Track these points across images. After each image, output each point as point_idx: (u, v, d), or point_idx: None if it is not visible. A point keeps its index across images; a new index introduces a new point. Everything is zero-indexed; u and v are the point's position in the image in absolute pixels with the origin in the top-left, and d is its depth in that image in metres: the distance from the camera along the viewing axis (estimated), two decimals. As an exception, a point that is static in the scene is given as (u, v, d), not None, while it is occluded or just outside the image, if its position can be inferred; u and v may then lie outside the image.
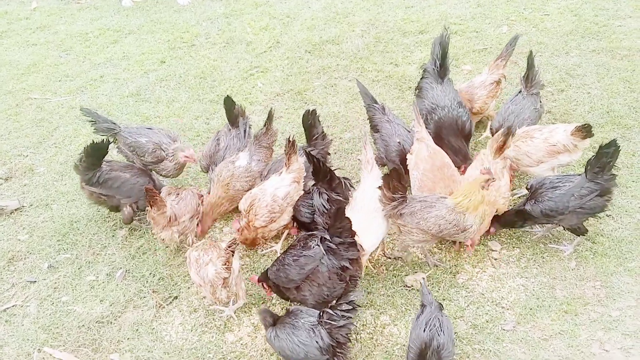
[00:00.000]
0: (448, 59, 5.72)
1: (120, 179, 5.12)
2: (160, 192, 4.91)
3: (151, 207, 4.75)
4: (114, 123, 5.56)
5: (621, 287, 4.52)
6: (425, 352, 3.66)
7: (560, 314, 4.39)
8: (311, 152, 4.81)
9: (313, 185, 4.83)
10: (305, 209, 4.83)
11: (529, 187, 4.81)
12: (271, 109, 5.48)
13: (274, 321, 4.02)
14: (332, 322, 3.74)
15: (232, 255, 4.23)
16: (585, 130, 4.82)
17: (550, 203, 4.55)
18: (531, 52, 5.54)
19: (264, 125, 5.40)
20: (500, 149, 4.71)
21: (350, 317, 3.76)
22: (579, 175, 4.65)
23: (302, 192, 5.01)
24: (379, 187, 4.45)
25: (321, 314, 3.82)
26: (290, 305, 4.45)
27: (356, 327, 4.05)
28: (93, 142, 4.93)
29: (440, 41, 5.66)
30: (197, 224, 5.14)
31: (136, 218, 5.40)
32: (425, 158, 4.91)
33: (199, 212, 5.10)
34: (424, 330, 3.75)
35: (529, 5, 8.47)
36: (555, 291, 4.57)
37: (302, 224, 4.93)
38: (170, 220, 4.83)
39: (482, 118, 6.22)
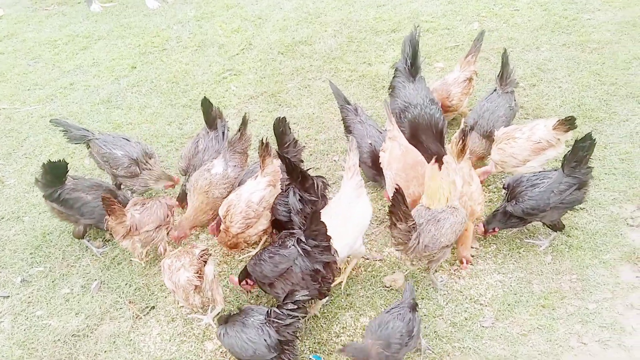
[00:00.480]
0: (419, 57, 5.72)
1: (81, 201, 5.00)
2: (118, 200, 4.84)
3: (109, 216, 4.70)
4: (87, 130, 5.47)
5: (597, 280, 4.56)
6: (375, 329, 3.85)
7: (538, 308, 4.42)
8: (283, 154, 4.79)
9: (288, 184, 4.81)
10: (282, 208, 4.79)
11: (505, 186, 4.80)
12: (245, 114, 5.43)
13: (226, 319, 4.05)
14: (279, 321, 3.82)
15: (205, 264, 4.20)
16: (568, 123, 4.83)
17: (532, 202, 4.54)
18: (505, 50, 5.55)
19: (238, 131, 5.35)
20: (462, 151, 4.65)
21: (297, 316, 3.82)
22: (555, 170, 4.67)
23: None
24: (390, 229, 4.29)
25: (269, 312, 3.88)
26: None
27: (302, 326, 4.08)
28: (50, 160, 4.84)
29: (410, 39, 5.66)
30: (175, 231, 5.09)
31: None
32: (398, 157, 4.91)
33: (169, 222, 5.03)
34: (386, 313, 3.93)
35: (499, 1, 8.52)
36: (533, 286, 4.59)
37: (280, 223, 4.90)
38: (130, 230, 4.78)
39: (455, 115, 6.24)
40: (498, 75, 5.57)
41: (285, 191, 4.81)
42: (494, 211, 4.84)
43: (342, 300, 4.65)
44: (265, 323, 3.86)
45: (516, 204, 4.61)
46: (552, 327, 4.27)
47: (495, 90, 5.57)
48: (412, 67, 5.67)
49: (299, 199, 4.61)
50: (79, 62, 8.32)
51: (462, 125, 5.33)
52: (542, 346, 4.17)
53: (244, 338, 3.85)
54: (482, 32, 6.03)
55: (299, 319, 3.84)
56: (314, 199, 4.65)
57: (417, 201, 4.67)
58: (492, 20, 8.13)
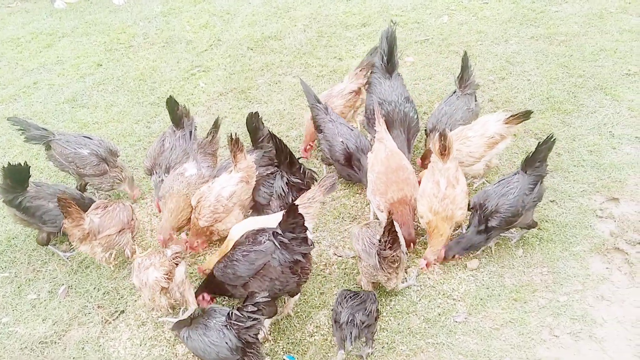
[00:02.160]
0: (395, 54, 5.66)
1: (43, 209, 4.85)
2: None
3: (65, 219, 4.55)
4: (47, 130, 5.33)
5: (567, 272, 4.60)
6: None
7: (510, 302, 4.44)
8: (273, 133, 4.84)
9: (276, 168, 4.83)
10: (264, 189, 4.80)
11: (472, 206, 4.69)
12: (218, 117, 5.37)
13: (190, 322, 4.00)
14: (240, 323, 3.77)
15: (176, 266, 4.12)
16: (523, 117, 4.86)
17: (512, 209, 4.49)
18: (465, 52, 5.50)
19: (209, 134, 5.29)
20: (443, 152, 4.56)
21: (258, 319, 3.78)
22: (515, 174, 4.63)
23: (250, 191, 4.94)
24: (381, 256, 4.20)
25: (229, 314, 3.83)
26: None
27: (264, 329, 4.02)
28: (9, 163, 4.65)
29: (386, 36, 5.61)
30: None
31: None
32: (382, 160, 4.85)
33: (133, 226, 4.91)
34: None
35: (467, -6, 8.55)
36: (504, 280, 4.61)
37: (257, 205, 4.90)
38: (88, 234, 4.63)
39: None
40: (457, 77, 5.51)
41: (272, 174, 4.78)
42: (468, 241, 4.67)
43: (316, 299, 4.62)
44: (226, 325, 3.82)
45: (498, 215, 4.52)
46: (524, 320, 4.29)
47: (454, 92, 5.52)
48: (388, 63, 5.63)
49: (286, 183, 4.67)
50: (42, 60, 8.12)
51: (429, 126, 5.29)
52: (515, 340, 4.18)
53: (207, 341, 3.81)
54: (375, 47, 5.87)
55: (260, 321, 3.80)
56: (299, 182, 4.71)
57: (395, 205, 4.64)
58: (462, 13, 8.14)
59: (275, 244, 4.04)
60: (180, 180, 5.05)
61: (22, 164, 4.70)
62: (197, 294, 4.30)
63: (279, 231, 4.02)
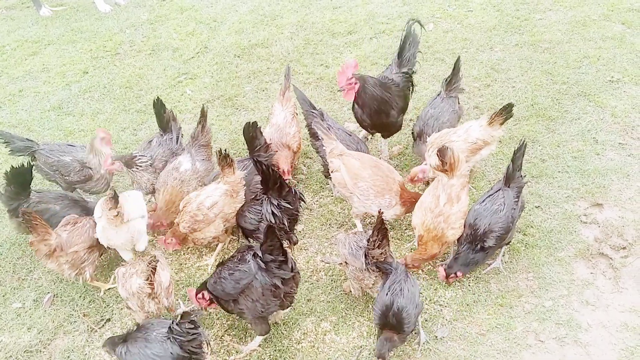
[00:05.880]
0: (406, 50, 5.73)
1: (49, 212, 4.80)
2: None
3: (31, 233, 4.45)
4: (31, 140, 5.31)
5: (552, 277, 4.63)
6: (386, 313, 3.95)
7: (496, 307, 4.46)
8: (259, 160, 4.71)
9: (263, 194, 4.73)
10: (251, 215, 4.72)
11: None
12: (203, 105, 5.37)
13: (125, 337, 3.92)
14: (181, 337, 3.74)
15: (154, 271, 4.10)
16: (506, 112, 4.86)
17: (504, 226, 4.42)
18: (459, 57, 5.52)
19: (199, 123, 5.29)
20: (445, 169, 4.48)
21: (197, 333, 3.75)
22: (499, 190, 4.55)
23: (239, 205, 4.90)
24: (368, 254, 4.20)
25: (170, 328, 3.78)
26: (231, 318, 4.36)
27: (207, 340, 3.93)
28: (13, 167, 4.61)
29: (405, 34, 5.74)
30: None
31: None
32: (360, 166, 4.82)
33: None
34: (386, 294, 3.99)
35: (453, 2, 8.62)
36: (490, 285, 4.64)
37: (244, 231, 4.84)
38: (54, 250, 4.50)
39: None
40: (445, 80, 5.54)
41: (259, 199, 4.74)
42: (465, 258, 4.53)
43: (303, 306, 4.61)
44: (168, 337, 3.76)
45: (493, 234, 4.41)
46: (510, 325, 4.32)
47: (439, 94, 5.55)
48: (399, 58, 5.73)
49: (277, 206, 4.60)
50: (28, 68, 8.08)
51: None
52: (501, 345, 4.21)
53: (149, 353, 3.72)
54: (287, 68, 5.90)
55: (200, 334, 3.76)
56: (291, 207, 4.63)
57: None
58: (447, 21, 8.21)
59: (257, 265, 3.98)
60: (174, 177, 5.08)
61: (25, 164, 4.68)
62: (197, 292, 4.27)
63: (259, 252, 3.96)
